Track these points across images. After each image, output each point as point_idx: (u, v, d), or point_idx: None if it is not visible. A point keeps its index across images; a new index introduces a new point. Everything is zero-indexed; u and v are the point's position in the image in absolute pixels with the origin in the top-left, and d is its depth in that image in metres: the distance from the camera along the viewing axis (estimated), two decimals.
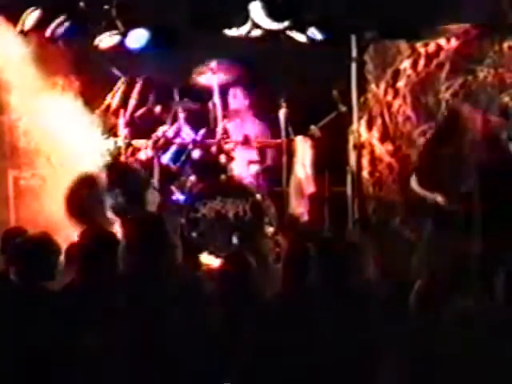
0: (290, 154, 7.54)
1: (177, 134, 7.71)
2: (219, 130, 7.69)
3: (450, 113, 6.76)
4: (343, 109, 7.42)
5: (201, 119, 7.81)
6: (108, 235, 4.51)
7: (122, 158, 7.57)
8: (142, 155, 7.64)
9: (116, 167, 7.38)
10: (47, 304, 4.11)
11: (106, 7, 7.32)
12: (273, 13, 7.21)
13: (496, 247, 5.51)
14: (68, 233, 6.82)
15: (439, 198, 6.11)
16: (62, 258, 4.55)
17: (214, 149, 7.59)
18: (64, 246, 4.70)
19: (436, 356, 3.26)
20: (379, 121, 7.48)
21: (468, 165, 6.02)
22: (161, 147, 7.60)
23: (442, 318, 3.01)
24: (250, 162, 7.66)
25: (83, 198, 7.04)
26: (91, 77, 7.60)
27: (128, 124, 7.67)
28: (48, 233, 4.46)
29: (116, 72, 7.61)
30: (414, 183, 6.33)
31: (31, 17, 7.28)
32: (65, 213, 7.04)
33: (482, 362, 3.07)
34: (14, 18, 7.36)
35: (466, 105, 6.80)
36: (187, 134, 7.68)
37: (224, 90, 7.83)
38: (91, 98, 7.57)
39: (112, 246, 4.16)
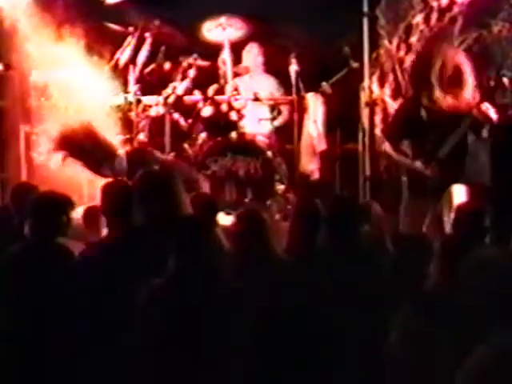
0: (301, 111, 7.48)
1: (187, 90, 7.65)
2: (229, 87, 7.63)
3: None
4: (355, 65, 7.33)
5: (211, 76, 7.74)
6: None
7: (133, 114, 7.51)
8: (153, 112, 7.59)
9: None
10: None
11: None
12: None
13: None
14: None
15: (418, 164, 6.13)
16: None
17: (224, 106, 7.53)
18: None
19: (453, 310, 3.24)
20: (391, 77, 7.40)
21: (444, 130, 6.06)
22: (172, 104, 7.55)
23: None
24: (261, 120, 7.61)
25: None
26: (100, 32, 7.52)
27: (138, 80, 7.61)
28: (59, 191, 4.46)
29: (122, 31, 7.54)
30: (388, 148, 6.33)
31: None
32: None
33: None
34: None
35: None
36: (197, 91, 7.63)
37: (234, 46, 7.75)
38: (101, 52, 7.49)
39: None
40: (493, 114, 6.20)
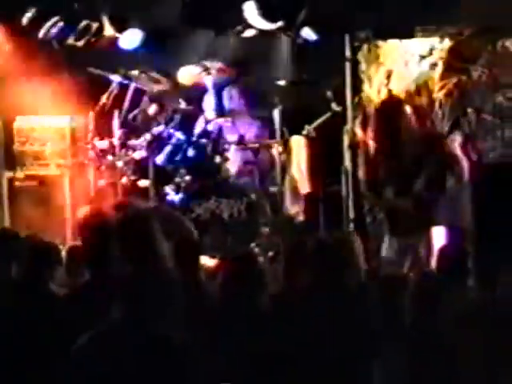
0: (285, 154, 7.54)
1: (171, 134, 7.71)
2: (214, 131, 7.69)
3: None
4: (337, 108, 7.42)
5: (195, 119, 7.81)
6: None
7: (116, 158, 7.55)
8: (137, 155, 7.64)
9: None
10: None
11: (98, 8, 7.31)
12: (267, 13, 7.21)
13: None
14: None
15: (389, 194, 6.25)
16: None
17: (208, 149, 7.59)
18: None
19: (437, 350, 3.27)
20: (373, 120, 7.49)
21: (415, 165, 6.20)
22: (155, 148, 7.59)
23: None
24: (245, 163, 7.66)
25: None
26: (86, 78, 7.59)
27: (122, 125, 7.67)
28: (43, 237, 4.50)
29: (109, 76, 7.61)
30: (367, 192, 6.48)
31: (25, 17, 7.27)
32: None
33: None
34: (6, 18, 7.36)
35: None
36: (181, 134, 7.69)
37: (219, 90, 7.83)
38: (86, 98, 7.56)
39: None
40: (471, 159, 6.31)
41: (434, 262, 4.88)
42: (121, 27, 7.45)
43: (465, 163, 6.28)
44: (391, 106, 6.94)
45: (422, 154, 6.27)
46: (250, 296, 4.18)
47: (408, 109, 6.30)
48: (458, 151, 6.27)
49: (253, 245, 7.21)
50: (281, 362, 3.71)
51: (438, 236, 6.14)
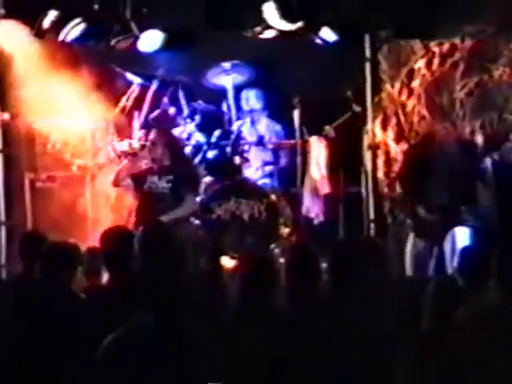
0: (305, 154, 7.53)
1: (191, 135, 7.72)
2: (233, 132, 7.70)
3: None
4: (357, 109, 7.40)
5: (215, 121, 7.81)
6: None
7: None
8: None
9: None
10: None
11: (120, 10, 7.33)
12: (287, 13, 7.20)
13: None
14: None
15: (420, 211, 6.23)
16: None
17: (228, 150, 7.59)
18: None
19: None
20: (394, 121, 7.47)
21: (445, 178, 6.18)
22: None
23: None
24: (265, 163, 7.66)
25: None
26: (106, 79, 7.61)
27: (143, 126, 7.68)
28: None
29: (130, 76, 7.63)
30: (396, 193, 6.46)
31: (47, 19, 7.30)
32: None
33: None
34: (29, 20, 7.39)
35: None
36: (201, 135, 7.70)
37: (238, 92, 7.83)
38: (106, 100, 7.58)
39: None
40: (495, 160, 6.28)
41: (455, 263, 4.86)
42: (141, 29, 7.46)
43: (487, 164, 6.25)
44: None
45: (451, 163, 6.23)
46: (268, 297, 4.19)
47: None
48: (480, 151, 6.24)
49: (273, 246, 7.20)
50: (295, 365, 3.70)
51: (461, 237, 6.11)
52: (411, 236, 6.36)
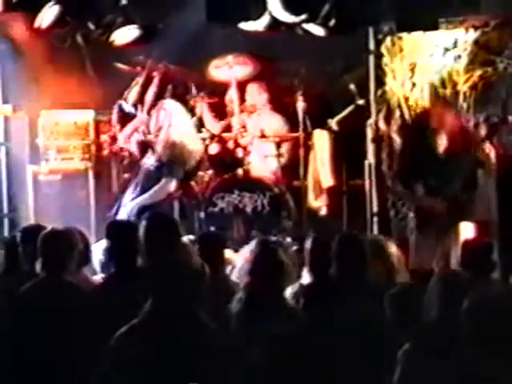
0: (308, 147, 7.52)
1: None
2: (236, 125, 7.68)
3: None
4: (361, 102, 7.39)
5: (218, 113, 7.80)
6: None
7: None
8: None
9: None
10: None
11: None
12: (290, 6, 7.18)
13: None
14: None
15: (419, 188, 6.21)
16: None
17: (231, 143, 7.58)
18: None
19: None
20: (397, 113, 7.44)
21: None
22: None
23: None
24: (268, 156, 7.65)
25: None
26: (109, 72, 7.60)
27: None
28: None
29: (131, 70, 7.63)
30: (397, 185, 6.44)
31: (48, 14, 7.29)
32: None
33: None
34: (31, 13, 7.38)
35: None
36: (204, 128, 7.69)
37: (241, 84, 7.82)
38: (110, 92, 7.58)
39: None
40: (497, 151, 6.26)
41: (459, 256, 4.85)
42: (144, 21, 7.45)
43: (491, 155, 6.23)
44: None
45: (455, 152, 6.22)
46: (272, 291, 4.18)
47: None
48: (484, 143, 6.22)
49: (275, 238, 7.19)
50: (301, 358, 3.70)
51: (465, 230, 6.10)
52: (414, 230, 6.34)
